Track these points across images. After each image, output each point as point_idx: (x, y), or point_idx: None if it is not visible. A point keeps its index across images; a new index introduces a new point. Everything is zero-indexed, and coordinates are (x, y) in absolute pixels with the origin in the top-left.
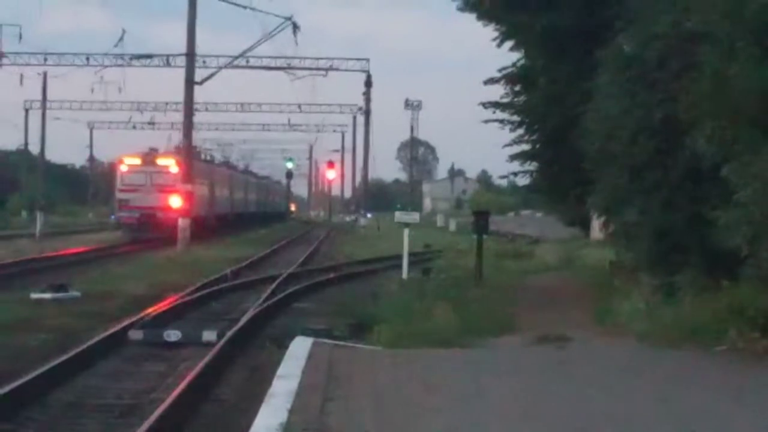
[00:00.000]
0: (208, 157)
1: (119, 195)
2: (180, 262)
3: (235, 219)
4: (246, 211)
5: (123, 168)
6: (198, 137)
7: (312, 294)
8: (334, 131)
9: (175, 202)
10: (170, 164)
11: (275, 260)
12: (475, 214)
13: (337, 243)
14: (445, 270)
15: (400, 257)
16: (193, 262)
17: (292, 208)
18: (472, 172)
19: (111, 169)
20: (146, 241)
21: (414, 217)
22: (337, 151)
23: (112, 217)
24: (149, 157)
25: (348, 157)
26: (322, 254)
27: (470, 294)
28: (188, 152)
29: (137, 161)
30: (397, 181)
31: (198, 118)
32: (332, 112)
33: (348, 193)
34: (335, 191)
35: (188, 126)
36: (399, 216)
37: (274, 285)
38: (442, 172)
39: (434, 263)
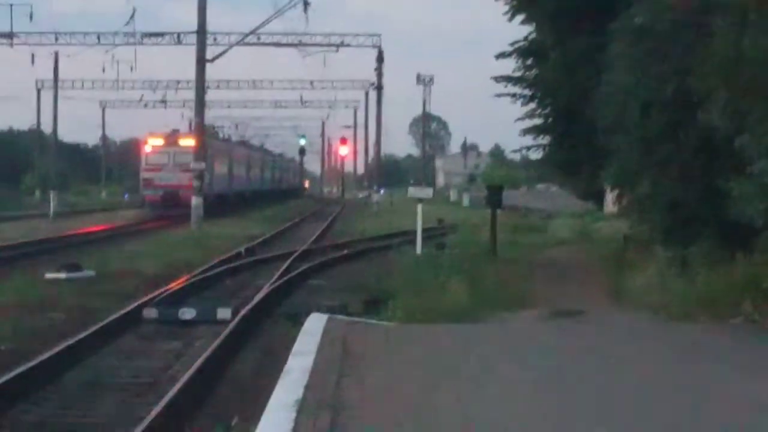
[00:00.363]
0: (226, 137)
1: (144, 174)
2: (195, 240)
3: (252, 196)
4: (262, 188)
5: (147, 148)
6: (210, 115)
7: (326, 271)
8: (347, 107)
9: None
10: (192, 144)
11: (289, 237)
12: (488, 189)
13: (351, 219)
14: (459, 245)
15: (413, 233)
16: (208, 240)
17: (306, 185)
18: (484, 147)
19: (133, 149)
20: (162, 219)
21: (427, 192)
22: (349, 127)
23: (126, 196)
24: (172, 137)
25: (360, 133)
26: (335, 231)
27: (484, 269)
28: (200, 130)
29: (160, 141)
30: (409, 157)
31: (210, 96)
32: (344, 88)
33: (361, 170)
34: (348, 167)
35: (200, 104)
36: (412, 191)
37: (288, 262)
38: (454, 147)
39: (448, 238)
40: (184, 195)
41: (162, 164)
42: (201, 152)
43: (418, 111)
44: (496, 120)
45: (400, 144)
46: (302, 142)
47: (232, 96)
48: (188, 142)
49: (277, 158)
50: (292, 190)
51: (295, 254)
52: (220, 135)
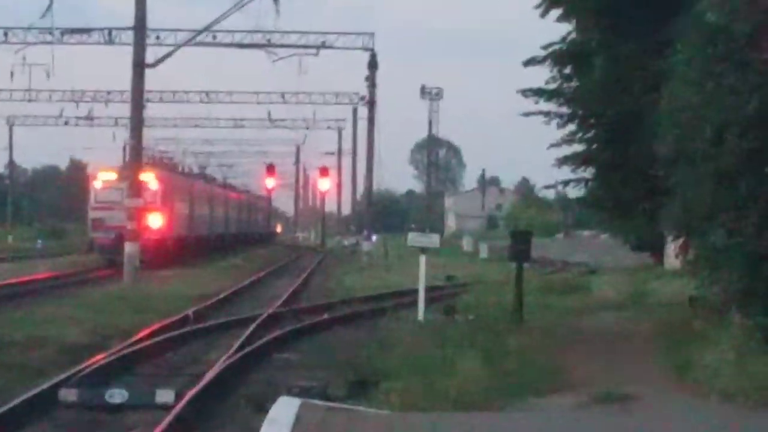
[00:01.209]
0: (184, 168)
1: (92, 213)
2: (130, 300)
3: (216, 241)
4: (226, 232)
5: (97, 184)
6: (150, 136)
7: (300, 341)
8: (329, 128)
9: (154, 221)
10: (149, 179)
11: (254, 296)
12: (512, 236)
13: (333, 274)
14: (474, 309)
15: (414, 293)
16: (147, 299)
17: (278, 229)
18: (508, 182)
19: (50, 179)
20: (107, 268)
21: (433, 240)
22: (332, 153)
23: (39, 242)
24: (126, 171)
25: (346, 161)
26: (313, 288)
27: (507, 341)
28: (136, 155)
29: (113, 176)
30: (410, 193)
31: (150, 111)
32: (326, 104)
33: (346, 209)
34: (330, 206)
35: (137, 121)
36: (413, 239)
37: (250, 329)
38: (469, 181)
39: (460, 300)
40: (141, 237)
41: (115, 202)
42: (136, 185)
43: (423, 133)
44: (523, 147)
45: (399, 176)
46: (270, 181)
47: (179, 111)
48: (145, 176)
49: (244, 195)
50: (260, 235)
51: (260, 319)
52: (180, 167)
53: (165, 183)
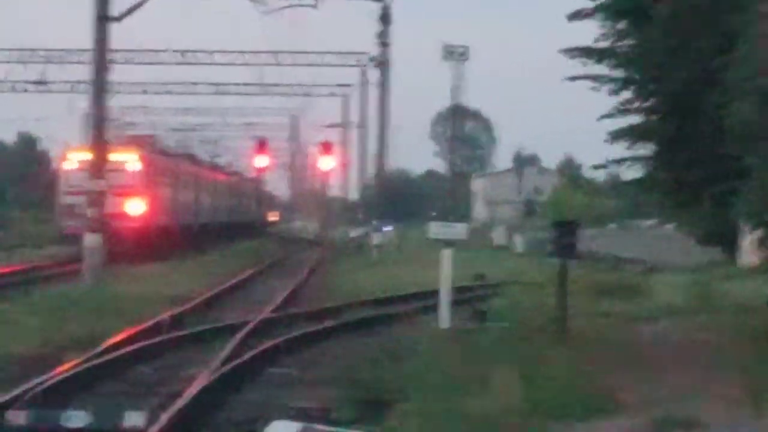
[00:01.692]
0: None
1: (64, 199)
2: (93, 302)
3: (201, 231)
4: (213, 220)
5: (67, 165)
6: (115, 103)
7: (298, 353)
8: (332, 95)
9: (136, 207)
10: (129, 160)
11: (242, 298)
12: (554, 227)
13: (337, 271)
14: (509, 315)
15: (435, 295)
16: (114, 301)
17: (274, 217)
18: (549, 160)
19: (33, 159)
20: (42, 268)
21: (458, 231)
22: (336, 126)
23: None
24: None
25: (353, 136)
26: (313, 289)
27: (548, 353)
28: (99, 127)
29: (87, 156)
30: (431, 174)
31: (115, 73)
32: (328, 65)
33: (354, 194)
34: (333, 190)
35: (100, 86)
36: (435, 230)
37: (238, 338)
38: (502, 159)
39: (491, 304)
40: (120, 225)
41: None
42: (99, 163)
43: (445, 102)
44: (567, 118)
45: (417, 154)
46: (260, 160)
47: (151, 74)
48: (125, 156)
49: (233, 178)
50: (251, 224)
51: (251, 326)
52: (158, 145)
53: (147, 163)
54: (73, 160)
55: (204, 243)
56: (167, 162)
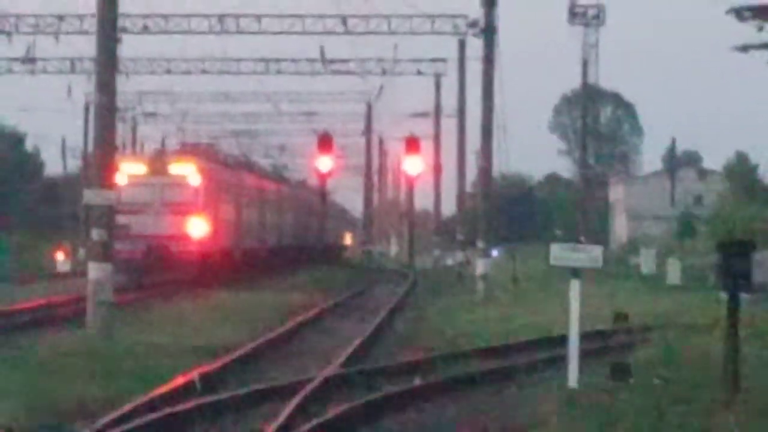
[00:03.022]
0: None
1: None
2: (100, 355)
3: (268, 257)
4: (280, 243)
5: (120, 179)
6: (127, 89)
7: (376, 424)
8: (419, 74)
9: (197, 228)
10: (189, 173)
11: (302, 347)
12: (721, 249)
13: (429, 311)
14: (662, 369)
15: (561, 343)
16: (124, 355)
17: (347, 240)
18: (713, 159)
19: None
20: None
21: (591, 256)
22: (424, 115)
23: None
24: (159, 162)
25: (449, 127)
26: (395, 336)
27: (716, 422)
28: (105, 121)
29: (142, 168)
30: (553, 179)
31: (127, 47)
32: (414, 33)
33: (449, 206)
34: (422, 202)
35: (107, 65)
36: (559, 254)
37: (293, 404)
38: (651, 158)
39: (637, 354)
40: (178, 248)
41: (144, 203)
42: (106, 169)
43: (573, 83)
44: (738, 103)
45: (535, 152)
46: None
47: (175, 48)
48: (183, 169)
49: (299, 191)
50: (323, 246)
51: (310, 387)
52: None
53: (209, 177)
54: (125, 173)
55: (270, 270)
56: (230, 174)
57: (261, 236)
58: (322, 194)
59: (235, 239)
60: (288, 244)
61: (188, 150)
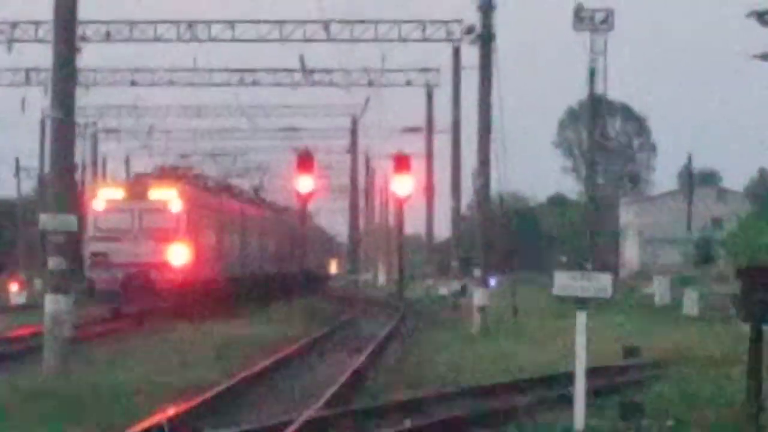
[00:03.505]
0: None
1: (92, 245)
2: (57, 396)
3: (250, 285)
4: (262, 271)
5: (97, 205)
6: (89, 100)
7: None
8: (408, 85)
9: (179, 254)
10: (170, 198)
11: (282, 386)
12: (742, 276)
13: (419, 347)
14: (677, 409)
15: (566, 381)
16: (86, 398)
17: (333, 267)
18: (733, 179)
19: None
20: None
21: (600, 284)
22: (415, 130)
23: None
24: (138, 187)
25: (442, 143)
26: (384, 373)
27: None
28: (63, 136)
29: (120, 194)
30: (557, 201)
31: (88, 55)
32: (404, 41)
33: (443, 231)
34: (413, 225)
35: (64, 75)
36: (564, 283)
37: None
38: (665, 176)
39: (649, 393)
40: (158, 277)
41: (123, 230)
42: (66, 191)
43: (579, 94)
44: (760, 117)
45: (538, 171)
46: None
47: (140, 56)
48: (164, 193)
49: (282, 216)
50: (307, 274)
51: (290, 430)
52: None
53: (191, 202)
54: (102, 198)
55: (247, 300)
56: (211, 199)
57: (243, 263)
58: (302, 218)
59: (217, 267)
60: (270, 271)
61: (167, 173)
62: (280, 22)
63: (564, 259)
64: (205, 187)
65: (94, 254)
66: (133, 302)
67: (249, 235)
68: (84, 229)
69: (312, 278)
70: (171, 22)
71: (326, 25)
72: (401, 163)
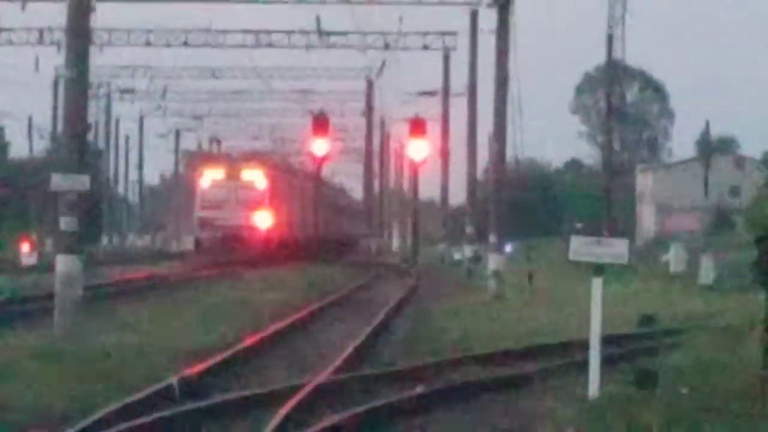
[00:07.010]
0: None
1: (200, 213)
2: (68, 355)
3: (308, 244)
4: (315, 233)
5: (204, 183)
6: (102, 61)
7: None
8: (425, 48)
9: (263, 219)
10: (257, 178)
11: (295, 349)
12: (760, 244)
13: (433, 312)
14: (692, 377)
15: (580, 347)
16: (98, 356)
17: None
18: (752, 145)
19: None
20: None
21: (616, 250)
22: (431, 94)
23: None
24: (234, 168)
25: (458, 107)
26: (397, 338)
27: None
28: (77, 97)
29: (221, 174)
30: (574, 166)
31: (102, 16)
32: (421, 3)
33: (459, 196)
34: (427, 189)
35: (80, 37)
36: (580, 248)
37: (281, 415)
38: (682, 143)
39: (664, 361)
40: (248, 234)
41: (222, 201)
42: (80, 152)
43: (596, 59)
44: None
45: (554, 137)
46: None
47: (154, 18)
48: (253, 175)
49: (334, 192)
50: (347, 239)
51: (301, 394)
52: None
53: (272, 181)
54: (209, 177)
55: (308, 255)
56: (284, 178)
57: (303, 227)
58: (317, 180)
59: (288, 230)
60: (321, 234)
61: (252, 158)
62: None
63: (579, 225)
64: (280, 169)
65: (201, 219)
66: (228, 253)
67: (307, 206)
68: (193, 200)
69: (349, 241)
70: None
71: None
72: (417, 127)
